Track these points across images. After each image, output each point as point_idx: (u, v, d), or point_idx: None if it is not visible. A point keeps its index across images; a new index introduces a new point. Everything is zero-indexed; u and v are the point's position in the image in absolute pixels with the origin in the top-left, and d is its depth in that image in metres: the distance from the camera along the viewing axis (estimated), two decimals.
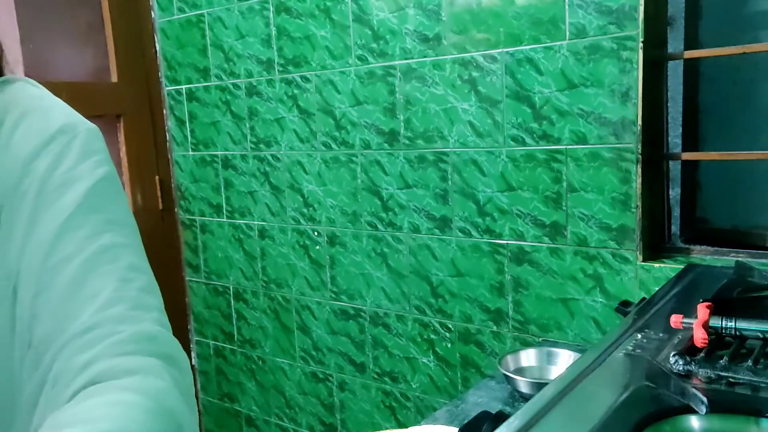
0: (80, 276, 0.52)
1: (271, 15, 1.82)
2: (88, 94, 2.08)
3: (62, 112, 0.60)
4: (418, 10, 1.54)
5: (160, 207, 2.25)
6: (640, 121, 1.28)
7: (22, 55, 1.88)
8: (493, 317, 1.55)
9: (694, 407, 0.66)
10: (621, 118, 1.30)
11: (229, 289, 2.13)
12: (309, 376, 1.97)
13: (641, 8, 1.24)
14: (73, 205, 0.55)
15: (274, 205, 1.94)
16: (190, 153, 2.14)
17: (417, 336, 1.70)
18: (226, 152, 2.03)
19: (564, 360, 1.31)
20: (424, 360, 1.69)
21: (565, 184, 1.39)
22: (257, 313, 2.07)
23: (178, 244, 2.25)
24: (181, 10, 2.04)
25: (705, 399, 0.65)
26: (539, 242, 1.44)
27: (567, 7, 1.33)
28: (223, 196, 2.08)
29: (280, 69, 1.84)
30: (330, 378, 1.92)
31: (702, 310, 0.78)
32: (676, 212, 1.41)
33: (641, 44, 1.25)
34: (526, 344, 1.48)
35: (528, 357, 1.34)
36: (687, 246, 1.37)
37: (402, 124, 1.62)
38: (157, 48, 2.15)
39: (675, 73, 1.37)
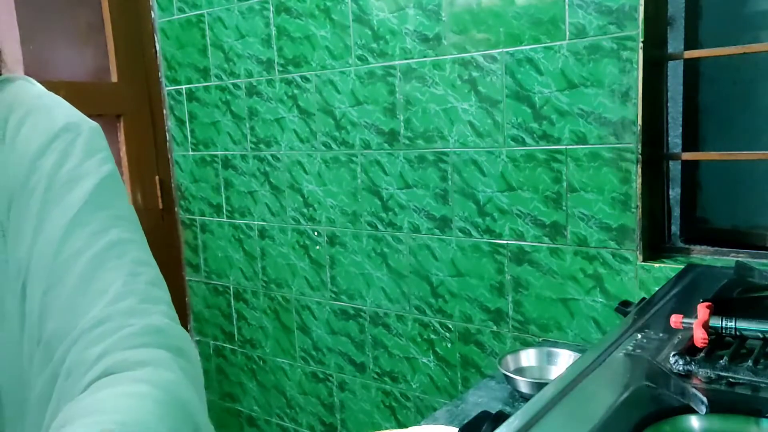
0: (89, 271, 0.53)
1: (271, 15, 1.82)
2: (88, 94, 2.08)
3: (65, 110, 0.62)
4: (418, 10, 1.54)
5: (160, 207, 2.25)
6: (640, 121, 1.28)
7: (22, 55, 1.88)
8: (493, 317, 1.55)
9: (694, 407, 0.66)
10: (621, 118, 1.30)
11: (229, 289, 2.13)
12: (309, 376, 1.97)
13: (641, 8, 1.24)
14: (81, 202, 0.56)
15: (274, 205, 1.95)
16: (190, 153, 2.14)
17: (417, 336, 1.70)
18: (226, 152, 2.03)
19: (564, 360, 1.31)
20: (424, 360, 1.70)
21: (565, 184, 1.39)
22: (257, 313, 2.07)
23: (178, 243, 2.25)
24: (181, 10, 2.04)
25: (705, 399, 0.65)
26: (539, 242, 1.44)
27: (567, 7, 1.33)
28: (223, 196, 2.08)
29: (280, 69, 1.84)
30: (330, 378, 1.92)
31: (702, 310, 0.78)
32: (676, 212, 1.41)
33: (641, 44, 1.25)
34: (526, 344, 1.48)
35: (528, 357, 1.34)
36: (687, 246, 1.37)
37: (402, 124, 1.62)
38: (157, 48, 2.15)
39: (675, 73, 1.37)
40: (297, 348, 1.98)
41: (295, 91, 1.82)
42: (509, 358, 1.32)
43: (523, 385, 1.21)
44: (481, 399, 1.24)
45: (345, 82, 1.70)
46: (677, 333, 0.83)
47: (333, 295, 1.86)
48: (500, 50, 1.43)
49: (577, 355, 1.28)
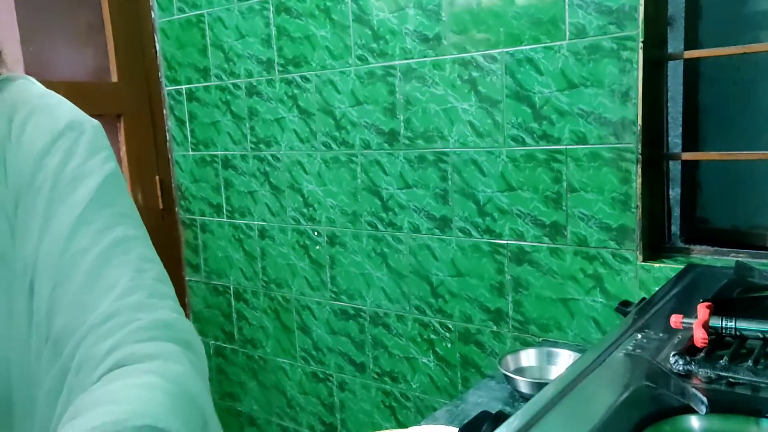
0: (97, 268, 0.54)
1: (271, 15, 1.82)
2: (88, 94, 2.08)
3: (67, 108, 0.63)
4: (418, 10, 1.54)
5: (161, 207, 2.25)
6: (640, 121, 1.28)
7: (22, 55, 1.88)
8: (493, 317, 1.55)
9: (694, 407, 0.66)
10: (621, 118, 1.30)
11: (230, 289, 2.13)
12: (309, 376, 1.97)
13: (641, 8, 1.24)
14: (86, 200, 0.57)
15: (274, 205, 1.95)
16: (190, 153, 2.14)
17: (417, 336, 1.70)
18: (226, 152, 2.03)
19: (564, 360, 1.31)
20: (424, 360, 1.70)
21: (565, 184, 1.39)
22: (257, 312, 2.07)
23: (179, 243, 2.25)
24: (181, 10, 2.04)
25: (705, 399, 0.65)
26: (539, 242, 1.44)
27: (567, 7, 1.33)
28: (223, 195, 2.08)
29: (280, 69, 1.84)
30: (330, 378, 1.92)
31: (702, 310, 0.78)
32: (676, 212, 1.41)
33: (641, 44, 1.25)
34: (526, 344, 1.48)
35: (528, 357, 1.34)
36: (687, 246, 1.37)
37: (402, 124, 1.62)
38: (157, 48, 2.15)
39: (675, 73, 1.37)
40: (297, 348, 1.98)
41: (295, 91, 1.82)
42: (509, 358, 1.32)
43: (523, 385, 1.21)
44: (481, 399, 1.24)
45: (345, 82, 1.70)
46: (677, 333, 0.83)
47: (333, 295, 1.86)
48: (500, 50, 1.43)
49: (577, 355, 1.28)
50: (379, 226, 1.72)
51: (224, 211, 2.09)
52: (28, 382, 0.56)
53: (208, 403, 0.51)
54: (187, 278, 2.27)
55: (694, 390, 0.67)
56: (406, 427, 1.38)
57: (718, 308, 0.79)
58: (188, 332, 0.55)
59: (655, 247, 1.38)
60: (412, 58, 1.57)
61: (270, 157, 1.92)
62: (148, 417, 0.45)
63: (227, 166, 2.04)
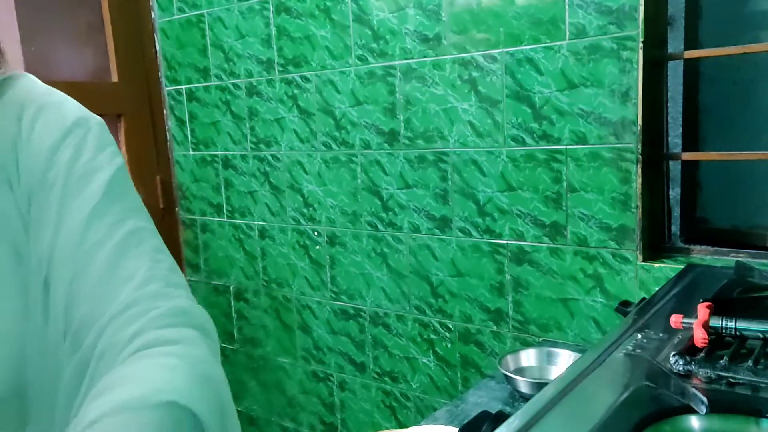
0: (113, 260, 0.56)
1: (271, 15, 1.82)
2: (89, 94, 2.08)
3: (73, 106, 0.64)
4: (418, 10, 1.54)
5: (161, 206, 2.25)
6: (640, 121, 1.28)
7: (23, 55, 1.88)
8: (493, 317, 1.55)
9: (694, 407, 0.66)
10: (621, 118, 1.30)
11: (230, 289, 2.13)
12: (309, 376, 1.97)
13: (641, 8, 1.24)
14: (98, 194, 0.58)
15: (274, 205, 1.95)
16: (191, 153, 2.14)
17: (417, 336, 1.70)
18: (227, 152, 2.03)
19: (564, 360, 1.31)
20: (424, 360, 1.70)
21: (565, 184, 1.39)
22: (258, 312, 2.07)
23: (179, 243, 2.26)
24: (181, 10, 2.04)
25: (705, 399, 0.65)
26: (539, 242, 1.44)
27: (567, 7, 1.33)
28: (224, 195, 2.08)
29: (280, 69, 1.84)
30: (330, 377, 1.92)
31: (702, 310, 0.78)
32: (676, 212, 1.41)
33: (641, 44, 1.25)
34: (526, 344, 1.48)
35: (528, 357, 1.34)
36: (687, 246, 1.37)
37: (402, 124, 1.62)
38: (157, 48, 2.15)
39: (675, 73, 1.37)
40: (297, 348, 1.98)
41: (295, 91, 1.82)
42: (509, 358, 1.32)
43: (523, 385, 1.21)
44: (481, 399, 1.24)
45: (345, 82, 1.70)
46: (677, 333, 0.83)
47: (333, 295, 1.86)
48: (500, 50, 1.43)
49: (577, 355, 1.28)
50: (379, 226, 1.72)
51: (224, 211, 2.09)
52: (45, 376, 0.57)
53: (225, 385, 0.54)
54: (187, 278, 2.27)
55: (694, 390, 0.67)
56: (406, 427, 1.38)
57: (718, 308, 0.79)
58: (204, 319, 0.57)
59: (655, 247, 1.38)
60: (412, 58, 1.57)
61: (270, 157, 1.92)
62: (172, 394, 0.47)
63: (227, 166, 2.04)
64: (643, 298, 1.11)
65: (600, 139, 1.33)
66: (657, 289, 1.12)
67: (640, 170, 1.29)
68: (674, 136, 1.39)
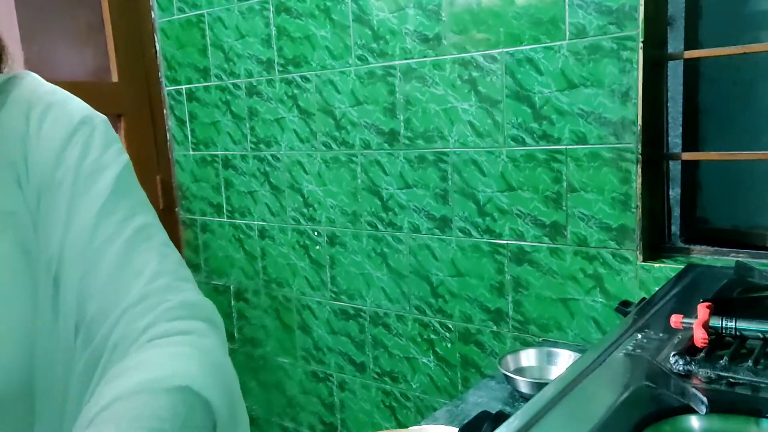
0: (124, 255, 0.57)
1: (271, 15, 1.82)
2: (89, 94, 2.06)
3: (78, 104, 0.65)
4: (418, 10, 1.54)
5: (161, 206, 2.25)
6: (640, 121, 1.28)
7: (23, 55, 1.88)
8: (493, 317, 1.55)
9: (694, 407, 0.66)
10: (621, 118, 1.30)
11: (230, 289, 2.13)
12: (309, 376, 1.97)
13: (641, 8, 1.24)
14: (107, 191, 0.59)
15: (274, 205, 1.95)
16: (191, 153, 2.14)
17: (417, 336, 1.70)
18: (227, 152, 2.04)
19: (564, 360, 1.31)
20: (424, 360, 1.70)
21: (565, 184, 1.39)
22: (258, 312, 2.07)
23: (179, 243, 2.26)
24: (181, 10, 2.04)
25: (705, 399, 0.65)
26: (539, 242, 1.44)
27: (567, 7, 1.33)
28: (224, 195, 2.08)
29: (280, 69, 1.84)
30: (330, 378, 1.92)
31: (702, 310, 0.78)
32: (676, 212, 1.41)
33: (641, 44, 1.25)
34: (526, 344, 1.48)
35: (528, 357, 1.34)
36: (687, 246, 1.37)
37: (402, 124, 1.62)
38: (157, 48, 2.15)
39: (675, 73, 1.37)
40: (297, 348, 1.98)
41: (295, 91, 1.82)
42: (509, 358, 1.32)
43: (523, 385, 1.21)
44: (481, 399, 1.24)
45: (345, 82, 1.70)
46: (677, 333, 0.83)
47: (333, 295, 1.86)
48: (500, 50, 1.43)
49: (577, 355, 1.28)
50: (379, 226, 1.72)
51: (224, 211, 2.09)
52: (54, 375, 0.57)
53: (235, 377, 0.55)
54: None
55: (694, 390, 0.67)
56: (406, 427, 1.38)
57: (718, 308, 0.79)
58: (212, 311, 0.59)
59: (655, 247, 1.38)
60: (412, 58, 1.57)
61: (270, 157, 1.92)
62: (186, 379, 0.49)
63: (227, 166, 2.04)
64: (643, 298, 1.11)
65: (600, 139, 1.33)
66: (657, 289, 1.12)
67: (640, 170, 1.29)
68: (674, 136, 1.39)
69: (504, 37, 1.42)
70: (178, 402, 0.48)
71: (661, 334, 0.84)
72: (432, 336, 1.67)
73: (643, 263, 1.32)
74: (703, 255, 1.33)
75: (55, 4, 2.00)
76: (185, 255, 2.25)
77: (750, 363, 0.71)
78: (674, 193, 1.41)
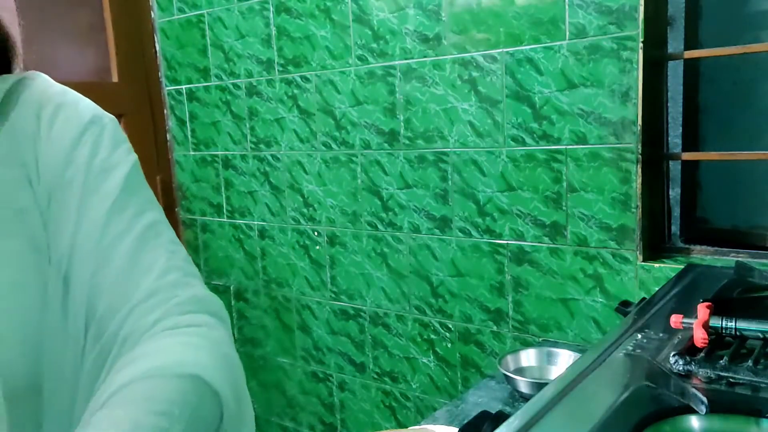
0: (134, 251, 0.58)
1: (271, 15, 1.82)
2: (89, 94, 2.06)
3: (88, 104, 0.67)
4: (418, 10, 1.54)
5: (161, 207, 2.25)
6: (640, 121, 1.28)
7: (23, 56, 1.88)
8: (493, 317, 1.55)
9: (694, 407, 0.66)
10: (621, 118, 1.30)
11: (230, 289, 2.13)
12: (309, 376, 1.97)
13: (641, 8, 1.24)
14: (117, 189, 0.61)
15: (274, 205, 1.95)
16: (191, 153, 2.14)
17: (417, 336, 1.70)
18: (227, 152, 2.04)
19: (564, 360, 1.31)
20: (424, 360, 1.70)
21: (565, 184, 1.39)
22: (258, 312, 2.07)
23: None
24: (181, 10, 2.04)
25: (705, 399, 0.65)
26: (539, 242, 1.44)
27: (567, 7, 1.33)
28: (224, 195, 2.08)
29: (280, 69, 1.84)
30: (330, 378, 1.92)
31: (702, 310, 0.78)
32: (676, 212, 1.41)
33: (641, 44, 1.25)
34: (526, 344, 1.48)
35: (528, 357, 1.34)
36: (687, 246, 1.37)
37: (402, 124, 1.62)
38: (157, 48, 2.15)
39: (675, 73, 1.37)
40: (297, 348, 1.98)
41: (295, 91, 1.82)
42: (509, 358, 1.32)
43: (523, 385, 1.21)
44: (481, 399, 1.24)
45: (345, 82, 1.70)
46: (677, 333, 0.83)
47: (333, 295, 1.86)
48: (500, 50, 1.43)
49: (577, 355, 1.28)
50: (379, 226, 1.72)
51: (224, 211, 2.09)
52: (62, 374, 0.58)
53: (242, 370, 0.57)
54: None
55: (694, 390, 0.67)
56: (406, 427, 1.38)
57: (718, 308, 0.79)
58: (220, 306, 0.60)
59: (655, 247, 1.38)
60: (412, 58, 1.57)
61: (270, 157, 1.92)
62: (196, 368, 0.51)
63: (227, 166, 2.04)
64: (643, 298, 1.11)
65: (600, 139, 1.33)
66: (657, 289, 1.12)
67: (640, 170, 1.29)
68: (674, 136, 1.39)
69: (504, 37, 1.42)
70: (188, 389, 0.50)
71: (661, 334, 0.84)
72: (432, 336, 1.67)
73: (643, 263, 1.32)
74: (703, 255, 1.33)
75: (55, 4, 2.00)
76: None
77: (750, 363, 0.71)
78: (674, 193, 1.41)
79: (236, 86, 1.96)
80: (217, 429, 0.52)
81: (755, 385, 0.69)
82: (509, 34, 1.41)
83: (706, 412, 0.64)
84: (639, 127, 1.28)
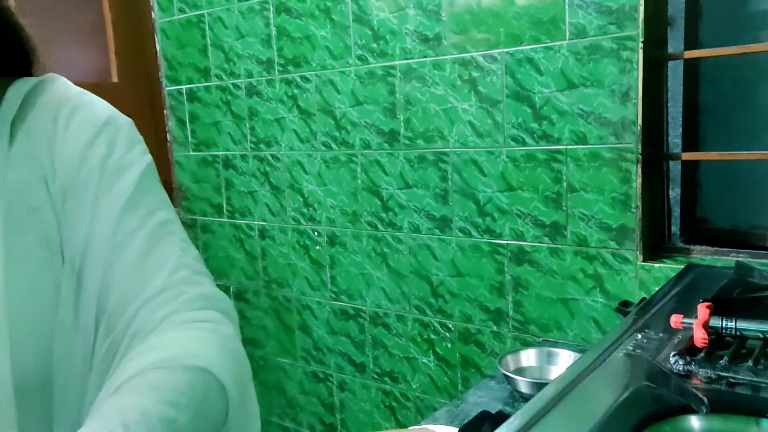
0: (146, 248, 0.59)
1: (271, 15, 1.82)
2: None
3: (104, 105, 0.68)
4: (418, 10, 1.54)
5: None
6: (640, 121, 1.28)
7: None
8: (493, 317, 1.55)
9: (694, 407, 0.66)
10: (621, 118, 1.30)
11: (230, 289, 2.13)
12: (309, 376, 1.97)
13: (641, 8, 1.24)
14: (131, 188, 0.62)
15: (275, 205, 1.95)
16: (192, 153, 2.14)
17: (417, 336, 1.70)
18: (227, 152, 2.04)
19: (564, 360, 1.31)
20: (424, 360, 1.70)
21: (565, 184, 1.39)
22: (258, 312, 2.07)
23: None
24: (181, 11, 2.04)
25: (705, 399, 0.65)
26: (539, 242, 1.44)
27: (567, 7, 1.33)
28: (224, 196, 2.08)
29: (280, 69, 1.84)
30: (330, 378, 1.92)
31: (702, 310, 0.78)
32: (676, 212, 1.41)
33: (641, 44, 1.25)
34: (526, 344, 1.48)
35: (528, 357, 1.34)
36: (687, 246, 1.37)
37: (402, 124, 1.62)
38: (158, 48, 2.15)
39: (675, 73, 1.37)
40: (297, 348, 1.98)
41: (295, 91, 1.82)
42: (509, 358, 1.32)
43: (523, 385, 1.21)
44: (481, 399, 1.24)
45: (345, 82, 1.70)
46: (677, 333, 0.83)
47: (333, 295, 1.86)
48: (500, 50, 1.43)
49: (577, 355, 1.28)
50: (379, 226, 1.72)
51: (225, 211, 2.09)
52: (72, 372, 0.59)
53: (249, 367, 0.58)
54: None
55: (694, 390, 0.67)
56: (406, 427, 1.38)
57: (718, 308, 0.79)
58: (228, 305, 0.61)
59: (655, 247, 1.38)
60: (412, 58, 1.57)
61: (270, 157, 1.92)
62: (204, 361, 0.51)
63: (228, 166, 2.04)
64: (643, 298, 1.11)
65: (600, 139, 1.33)
66: (657, 289, 1.12)
67: (640, 170, 1.29)
68: (674, 136, 1.39)
69: (504, 37, 1.42)
70: (196, 381, 0.50)
71: (661, 334, 0.84)
72: (432, 336, 1.67)
73: (643, 263, 1.32)
74: (703, 255, 1.33)
75: (56, 4, 2.00)
76: None
77: (750, 363, 0.71)
78: (674, 193, 1.41)
79: (236, 86, 1.96)
80: (223, 424, 0.53)
81: (755, 385, 0.69)
82: (509, 34, 1.41)
83: (706, 412, 0.64)
84: (639, 127, 1.28)
